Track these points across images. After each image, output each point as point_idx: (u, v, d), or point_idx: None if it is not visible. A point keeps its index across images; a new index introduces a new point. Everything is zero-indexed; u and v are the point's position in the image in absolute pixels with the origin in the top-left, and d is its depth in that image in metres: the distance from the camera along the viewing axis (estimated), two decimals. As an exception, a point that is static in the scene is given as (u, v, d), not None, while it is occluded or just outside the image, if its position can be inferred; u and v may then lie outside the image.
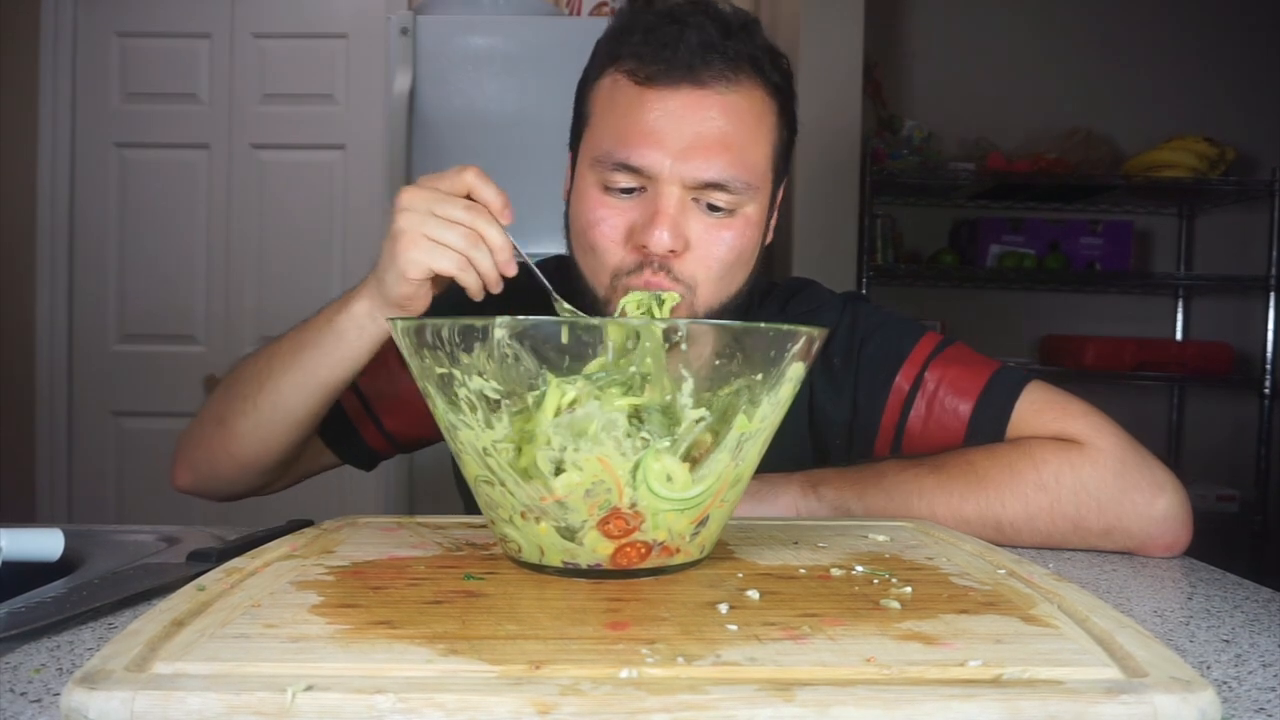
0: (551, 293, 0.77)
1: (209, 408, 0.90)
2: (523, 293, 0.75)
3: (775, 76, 0.84)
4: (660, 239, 0.78)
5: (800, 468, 0.86)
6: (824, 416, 0.93)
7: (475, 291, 0.73)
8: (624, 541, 0.52)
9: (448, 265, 0.71)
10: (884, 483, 0.82)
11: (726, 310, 0.85)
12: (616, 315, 0.79)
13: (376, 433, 0.97)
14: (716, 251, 0.81)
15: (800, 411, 0.93)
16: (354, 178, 2.73)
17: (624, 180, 0.81)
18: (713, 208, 0.81)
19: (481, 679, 0.37)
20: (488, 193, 0.72)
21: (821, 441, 0.95)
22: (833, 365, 0.93)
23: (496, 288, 0.73)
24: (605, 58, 0.84)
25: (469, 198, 0.72)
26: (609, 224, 0.81)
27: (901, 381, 0.89)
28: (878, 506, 0.81)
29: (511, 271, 0.73)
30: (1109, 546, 0.80)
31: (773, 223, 0.92)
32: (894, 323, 0.94)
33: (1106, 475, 0.79)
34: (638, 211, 0.80)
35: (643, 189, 0.81)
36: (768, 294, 1.00)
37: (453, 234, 0.71)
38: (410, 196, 0.72)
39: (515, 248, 0.73)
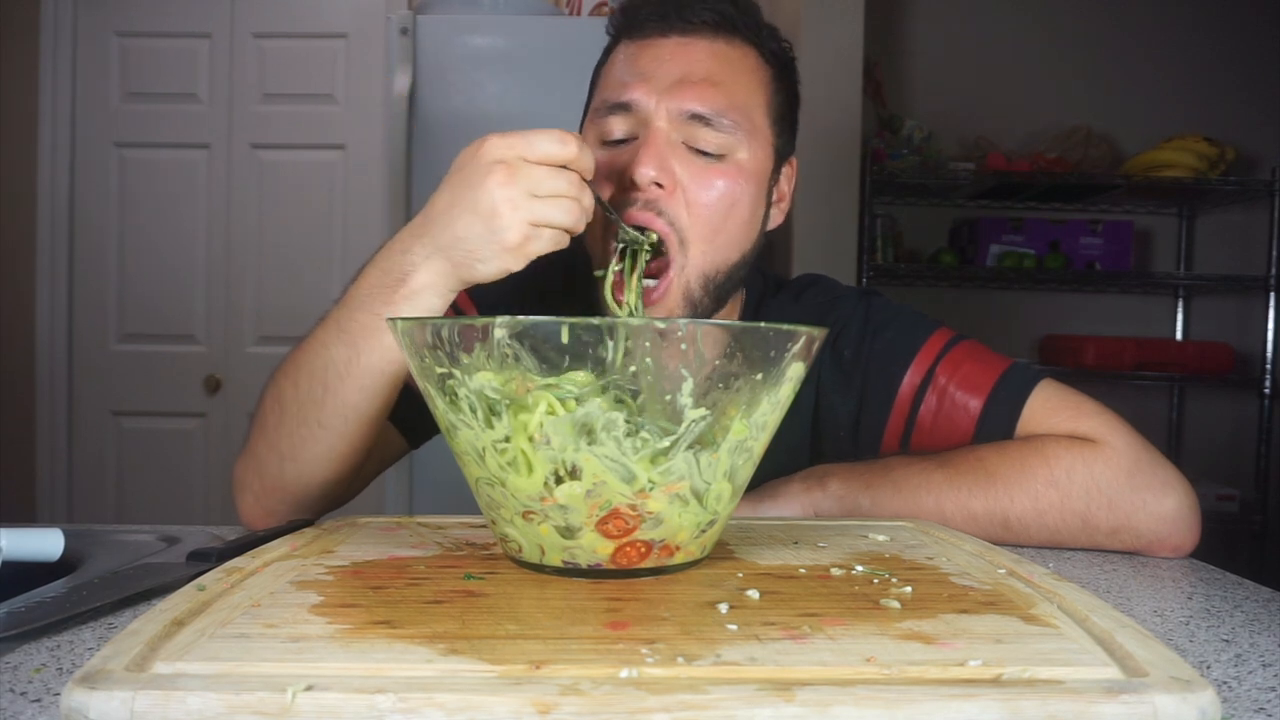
0: (610, 210, 0.76)
1: (265, 441, 0.78)
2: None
3: (771, 44, 0.87)
4: (644, 172, 0.78)
5: (800, 468, 0.86)
6: (830, 410, 0.93)
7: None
8: (623, 541, 0.52)
9: (550, 246, 0.67)
10: (892, 476, 0.81)
11: (727, 284, 0.85)
12: (609, 268, 0.79)
13: None
14: (706, 196, 0.81)
15: (805, 406, 0.93)
16: (354, 178, 2.73)
17: (617, 125, 0.82)
18: (702, 153, 0.81)
19: (482, 679, 0.37)
20: (587, 162, 0.68)
21: (824, 438, 0.94)
22: (843, 357, 0.92)
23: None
24: (612, 39, 0.88)
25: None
26: (602, 169, 0.81)
27: (913, 376, 0.88)
28: (885, 500, 0.80)
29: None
30: (1115, 546, 0.80)
31: (781, 202, 0.92)
32: (907, 317, 0.93)
33: (1119, 474, 0.78)
34: (629, 156, 0.81)
35: (636, 138, 0.82)
36: (780, 288, 1.00)
37: (558, 213, 0.66)
38: (505, 175, 0.65)
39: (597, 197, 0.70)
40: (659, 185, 0.79)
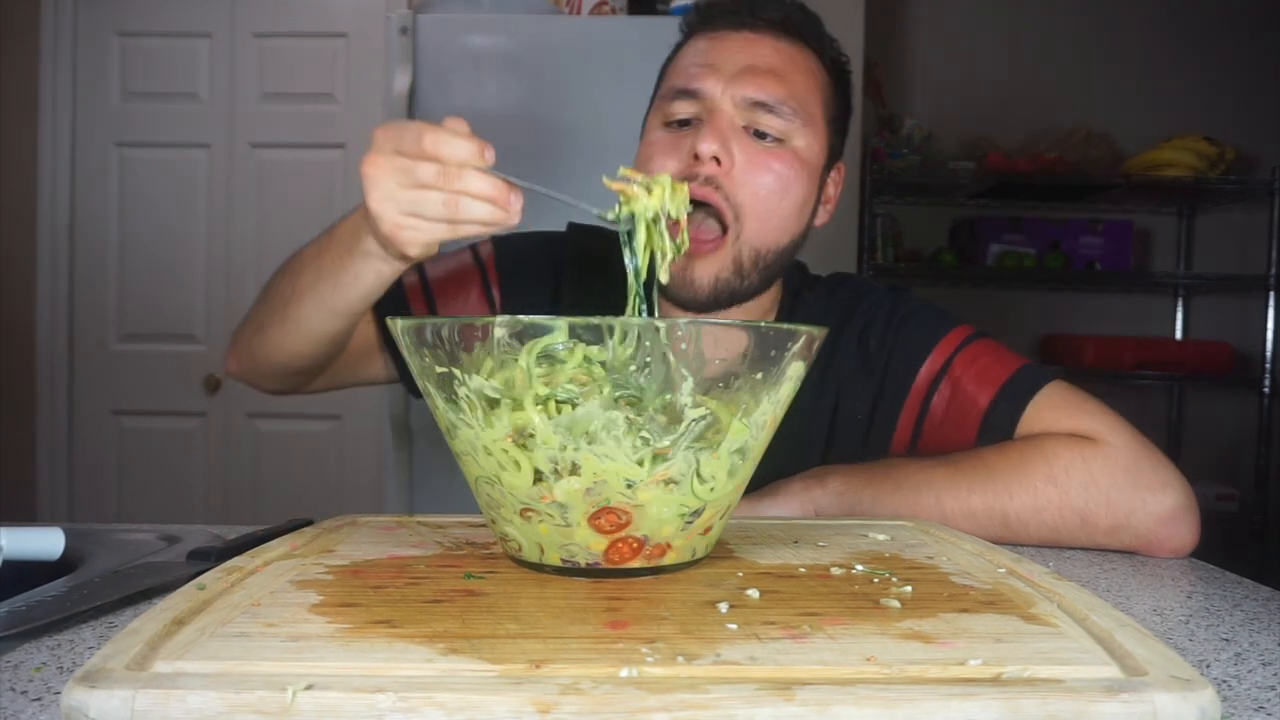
0: (558, 197, 0.69)
1: (256, 308, 0.91)
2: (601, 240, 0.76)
3: (831, 54, 0.92)
4: (706, 146, 0.82)
5: (815, 463, 0.87)
6: (852, 398, 0.94)
7: (488, 231, 0.68)
8: (615, 537, 0.52)
9: (437, 235, 0.67)
10: (893, 475, 0.82)
11: (775, 265, 0.89)
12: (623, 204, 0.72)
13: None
14: (762, 178, 0.85)
15: (827, 397, 0.94)
16: (354, 177, 2.70)
17: (682, 108, 0.87)
18: (761, 135, 0.86)
19: (482, 678, 0.37)
20: (456, 150, 0.64)
21: (841, 428, 0.95)
22: (868, 347, 0.94)
23: (515, 219, 0.66)
24: (683, 36, 0.94)
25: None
26: (665, 147, 0.87)
27: (930, 366, 0.91)
28: (885, 497, 0.81)
29: (518, 206, 0.66)
30: (1114, 545, 0.80)
31: (828, 204, 0.96)
32: (931, 311, 0.96)
33: (1118, 472, 0.79)
34: (692, 137, 0.85)
35: (699, 120, 0.86)
36: (812, 286, 1.02)
37: (428, 204, 0.65)
38: (373, 165, 0.66)
39: (509, 181, 0.65)
40: (717, 162, 0.83)
